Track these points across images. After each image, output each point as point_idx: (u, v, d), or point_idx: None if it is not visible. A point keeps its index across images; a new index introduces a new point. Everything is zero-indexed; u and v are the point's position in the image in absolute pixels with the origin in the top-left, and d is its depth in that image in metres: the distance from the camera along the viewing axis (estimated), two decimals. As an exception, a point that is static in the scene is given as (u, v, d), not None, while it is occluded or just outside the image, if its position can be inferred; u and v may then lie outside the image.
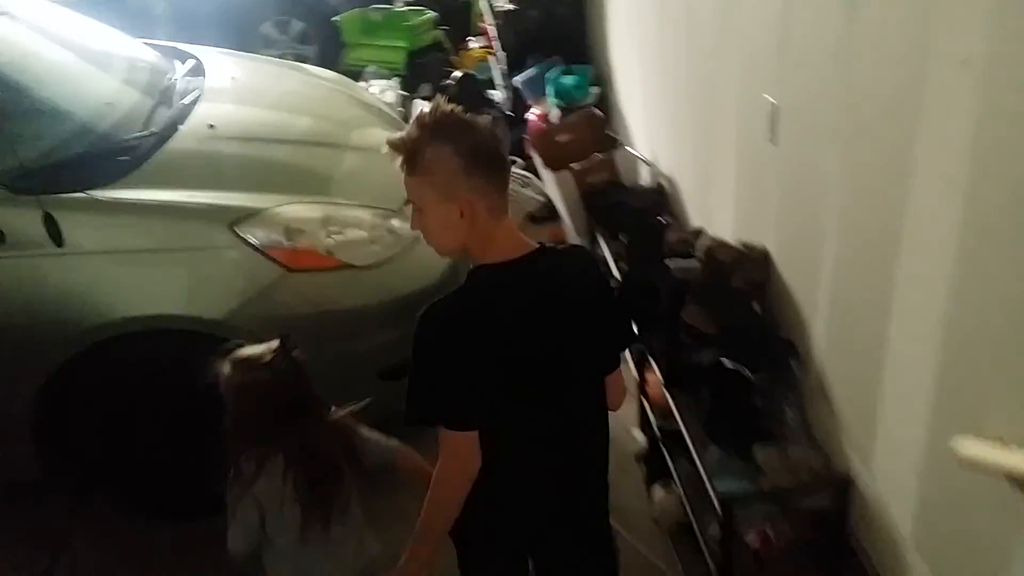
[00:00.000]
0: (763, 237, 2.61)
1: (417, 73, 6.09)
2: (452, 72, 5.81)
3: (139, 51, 3.62)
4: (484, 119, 1.64)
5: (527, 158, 4.80)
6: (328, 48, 6.61)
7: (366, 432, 2.02)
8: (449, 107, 1.53)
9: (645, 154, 4.02)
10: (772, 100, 2.37)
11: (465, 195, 1.51)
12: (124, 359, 2.50)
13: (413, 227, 1.61)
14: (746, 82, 2.62)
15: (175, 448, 2.63)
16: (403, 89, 5.78)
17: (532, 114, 4.99)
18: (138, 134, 2.84)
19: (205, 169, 2.80)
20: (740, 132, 2.73)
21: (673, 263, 2.88)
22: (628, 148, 4.12)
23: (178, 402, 2.49)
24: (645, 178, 3.99)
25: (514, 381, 1.58)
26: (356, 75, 6.32)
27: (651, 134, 3.96)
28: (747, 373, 2.33)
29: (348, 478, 1.98)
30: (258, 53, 6.60)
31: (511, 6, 5.13)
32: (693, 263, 2.84)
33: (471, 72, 5.72)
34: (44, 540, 2.78)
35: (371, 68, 6.24)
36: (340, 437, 1.97)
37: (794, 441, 2.23)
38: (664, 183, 3.73)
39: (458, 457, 1.59)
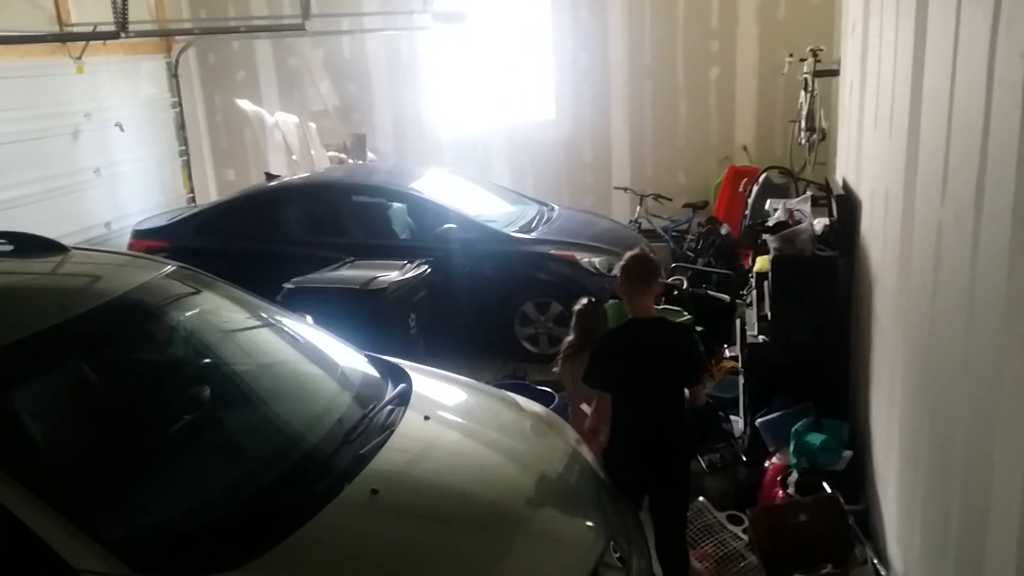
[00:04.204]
0: None
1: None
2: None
3: (356, 368, 3.64)
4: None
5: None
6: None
7: None
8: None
9: (896, 570, 3.21)
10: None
11: None
12: None
13: None
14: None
15: None
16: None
17: (770, 462, 4.37)
18: (296, 498, 2.71)
19: (343, 558, 2.56)
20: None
21: None
22: (871, 557, 3.34)
23: None
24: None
25: None
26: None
27: (904, 542, 3.14)
28: None
29: None
30: (516, 330, 6.87)
31: (763, 338, 4.66)
32: None
33: (711, 402, 5.25)
34: None
35: (617, 365, 6.02)
36: None
37: None
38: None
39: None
